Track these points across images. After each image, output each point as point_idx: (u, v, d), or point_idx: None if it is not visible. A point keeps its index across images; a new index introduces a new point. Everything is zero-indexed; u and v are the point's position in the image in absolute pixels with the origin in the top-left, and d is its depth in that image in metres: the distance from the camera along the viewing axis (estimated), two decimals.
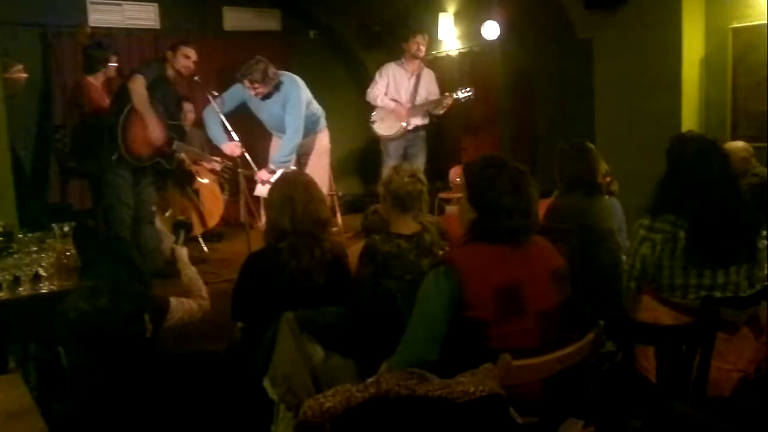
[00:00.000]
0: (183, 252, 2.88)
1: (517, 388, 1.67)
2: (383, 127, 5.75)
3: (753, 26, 4.57)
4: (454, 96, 5.56)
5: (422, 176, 2.71)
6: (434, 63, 7.15)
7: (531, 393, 1.82)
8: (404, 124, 5.64)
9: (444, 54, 7.23)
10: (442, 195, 6.41)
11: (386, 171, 3.10)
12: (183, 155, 5.37)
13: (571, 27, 5.26)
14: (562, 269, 1.96)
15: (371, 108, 5.89)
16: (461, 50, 7.06)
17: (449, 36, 7.02)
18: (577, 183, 3.02)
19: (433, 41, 7.04)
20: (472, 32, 6.73)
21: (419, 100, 5.71)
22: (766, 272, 2.42)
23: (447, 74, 6.86)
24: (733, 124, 4.73)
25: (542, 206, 3.21)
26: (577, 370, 1.91)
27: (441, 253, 2.48)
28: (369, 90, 5.78)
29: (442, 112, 5.74)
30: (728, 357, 2.20)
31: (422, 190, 2.68)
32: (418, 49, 5.64)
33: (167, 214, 5.54)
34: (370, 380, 1.43)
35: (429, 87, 5.78)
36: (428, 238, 2.58)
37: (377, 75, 5.80)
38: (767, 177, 4.17)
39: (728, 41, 4.69)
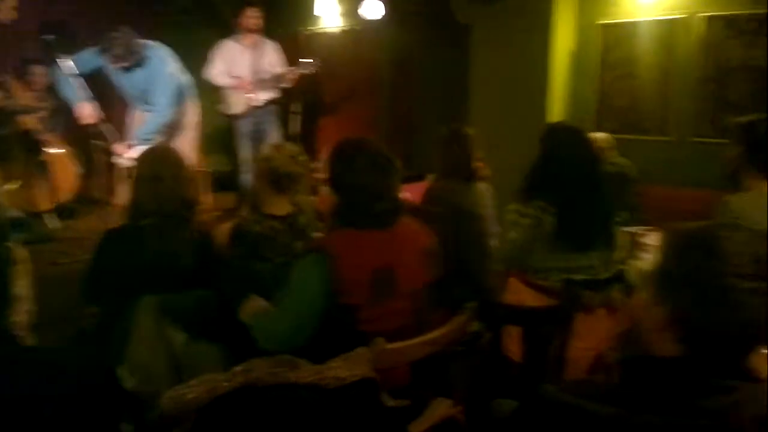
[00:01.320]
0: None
1: (387, 371, 1.70)
2: (229, 105, 5.60)
3: (620, 23, 4.93)
4: (299, 69, 5.50)
5: (302, 158, 2.67)
6: (311, 40, 7.05)
7: (401, 375, 1.86)
8: (250, 96, 5.51)
9: (322, 31, 7.17)
10: (317, 175, 6.36)
11: (265, 148, 3.01)
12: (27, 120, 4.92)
13: (452, 13, 5.40)
14: (432, 248, 2.01)
15: None
16: (342, 28, 7.03)
17: (329, 12, 6.96)
18: (455, 168, 3.12)
19: (309, 17, 6.92)
20: (354, 10, 6.72)
21: (262, 74, 5.60)
22: (620, 257, 2.63)
23: (325, 52, 6.80)
24: (598, 116, 5.10)
25: (418, 190, 3.29)
26: (446, 351, 1.98)
27: (316, 235, 2.46)
28: (205, 71, 5.57)
29: (289, 85, 5.65)
30: (585, 337, 2.37)
31: (302, 173, 2.64)
32: (252, 23, 5.51)
33: (11, 186, 5.06)
34: (237, 368, 1.39)
35: (272, 59, 5.67)
36: (303, 220, 2.55)
37: (212, 54, 5.60)
38: (624, 168, 4.55)
39: (597, 37, 5.04)
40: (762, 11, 4.34)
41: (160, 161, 2.41)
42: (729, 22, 4.48)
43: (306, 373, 1.42)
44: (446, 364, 2.03)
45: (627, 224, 3.78)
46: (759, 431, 1.00)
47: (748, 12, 4.41)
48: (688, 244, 1.11)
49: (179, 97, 4.90)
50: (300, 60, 5.54)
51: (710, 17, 4.55)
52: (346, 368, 1.45)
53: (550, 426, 1.08)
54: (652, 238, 3.39)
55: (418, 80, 6.45)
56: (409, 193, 3.59)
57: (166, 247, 2.33)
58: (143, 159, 2.51)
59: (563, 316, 2.24)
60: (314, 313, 1.82)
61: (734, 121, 2.89)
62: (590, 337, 2.40)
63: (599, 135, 4.60)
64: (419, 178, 3.24)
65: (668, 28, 4.72)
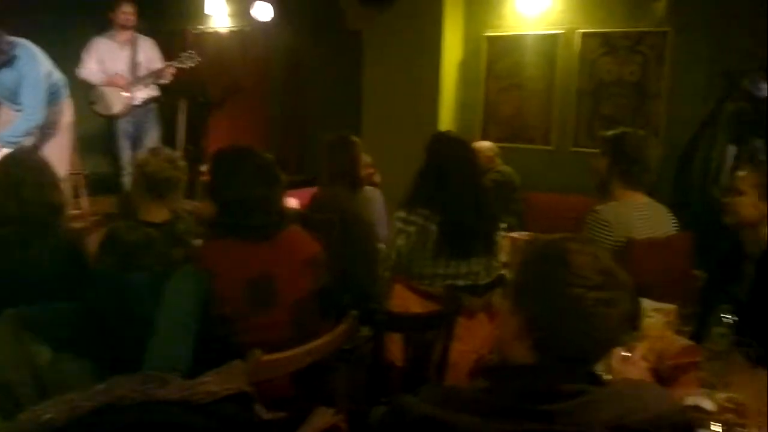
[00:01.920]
0: None
1: (268, 383, 1.68)
2: (105, 105, 5.37)
3: (505, 36, 5.15)
4: (177, 63, 5.37)
5: (181, 163, 2.59)
6: (200, 39, 6.87)
7: (282, 387, 1.85)
8: (128, 95, 5.31)
9: (212, 30, 7.00)
10: (204, 178, 6.19)
11: (142, 153, 2.89)
12: None
13: (344, 17, 5.43)
14: (317, 257, 2.01)
15: None
16: (232, 28, 6.90)
17: (220, 12, 6.81)
18: (341, 175, 3.13)
19: (199, 15, 6.74)
20: (245, 10, 6.61)
21: (139, 71, 5.42)
22: (500, 263, 2.75)
23: (214, 52, 6.65)
24: (484, 125, 5.30)
25: (307, 196, 3.28)
26: (330, 359, 1.98)
27: (195, 242, 2.39)
28: (78, 70, 5.32)
29: (168, 81, 5.49)
30: (467, 340, 2.45)
31: (180, 179, 2.56)
32: (126, 19, 5.34)
33: None
34: (99, 387, 1.32)
35: (149, 56, 5.50)
36: (181, 227, 2.47)
37: (84, 52, 5.37)
38: (508, 175, 4.76)
39: (483, 48, 5.23)
40: (635, 29, 4.68)
41: (20, 165, 2.27)
42: (604, 38, 4.80)
43: (175, 389, 1.37)
44: (329, 373, 2.04)
45: (511, 230, 3.96)
46: None
47: (621, 30, 4.74)
48: (541, 257, 1.18)
49: (52, 98, 4.63)
50: (179, 54, 5.38)
51: (586, 33, 4.85)
52: (218, 382, 1.41)
53: None
54: None
55: (310, 84, 6.44)
56: (298, 199, 3.58)
57: (29, 256, 2.20)
58: (3, 163, 2.35)
59: (446, 320, 2.31)
60: (191, 328, 1.77)
61: (603, 133, 3.10)
62: (471, 341, 2.49)
63: (485, 143, 4.79)
64: (311, 182, 3.23)
65: (550, 42, 4.99)
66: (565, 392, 1.09)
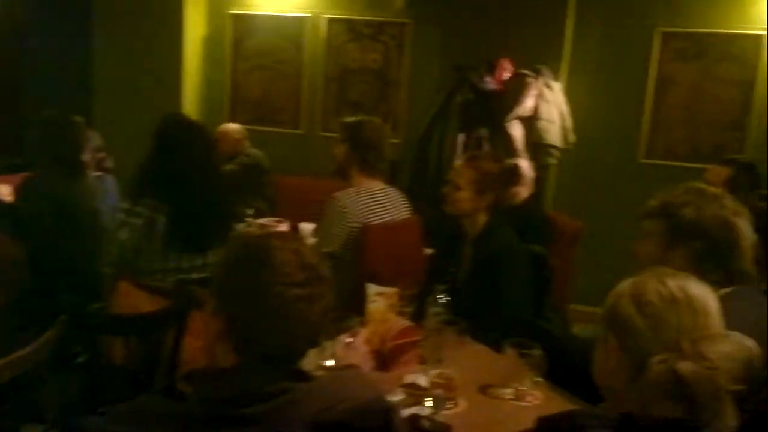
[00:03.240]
0: None
1: None
2: None
3: (250, 15, 5.06)
4: None
5: None
6: None
7: None
8: None
9: None
10: None
11: None
12: None
13: None
14: (12, 260, 1.79)
15: None
16: None
17: None
18: (58, 160, 2.82)
19: None
20: None
21: None
22: None
23: None
24: (232, 106, 5.18)
25: (10, 183, 2.91)
26: (36, 371, 1.78)
27: None
28: None
29: None
30: (200, 335, 2.37)
31: None
32: None
33: None
34: None
35: None
36: None
37: None
38: (258, 159, 4.72)
39: (228, 26, 5.09)
40: (377, 18, 4.91)
41: None
42: (349, 25, 4.96)
43: None
44: (36, 386, 1.83)
45: (261, 215, 3.94)
46: (319, 427, 1.09)
47: (364, 18, 4.94)
48: (241, 255, 1.16)
49: None
50: None
51: (332, 19, 4.97)
52: None
53: None
54: (284, 228, 3.59)
55: (29, 51, 5.70)
56: (11, 186, 3.16)
57: None
58: None
59: (176, 317, 2.21)
60: None
61: (342, 120, 3.21)
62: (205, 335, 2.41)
63: (233, 126, 4.69)
64: (30, 167, 2.85)
65: (297, 24, 5.02)
66: (268, 393, 1.08)
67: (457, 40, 4.64)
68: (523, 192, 3.80)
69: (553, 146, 4.41)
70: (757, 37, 4.48)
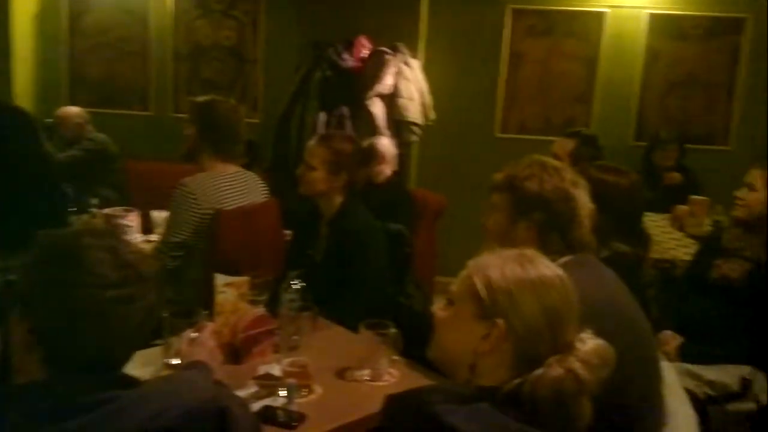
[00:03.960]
0: None
1: None
2: None
3: None
4: None
5: None
6: None
7: None
8: None
9: None
10: None
11: None
12: None
13: None
14: None
15: None
16: None
17: None
18: None
19: None
20: None
21: None
22: None
23: None
24: (71, 88, 4.80)
25: None
26: None
27: None
28: None
29: None
30: None
31: None
32: None
33: None
34: None
35: None
36: None
37: None
38: (103, 143, 4.42)
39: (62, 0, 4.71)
40: None
41: None
42: (197, 0, 4.74)
43: None
44: None
45: (108, 204, 3.68)
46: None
47: None
48: (46, 256, 1.05)
49: None
50: None
51: None
52: None
53: None
54: (132, 219, 3.37)
55: None
56: None
57: None
58: None
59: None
60: None
61: (191, 99, 3.05)
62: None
63: (73, 109, 4.35)
64: None
65: (141, 1, 4.73)
66: (87, 404, 0.99)
67: (314, 17, 4.57)
68: (387, 170, 3.83)
69: (415, 123, 4.47)
70: (600, 15, 4.76)
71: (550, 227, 1.64)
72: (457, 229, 4.37)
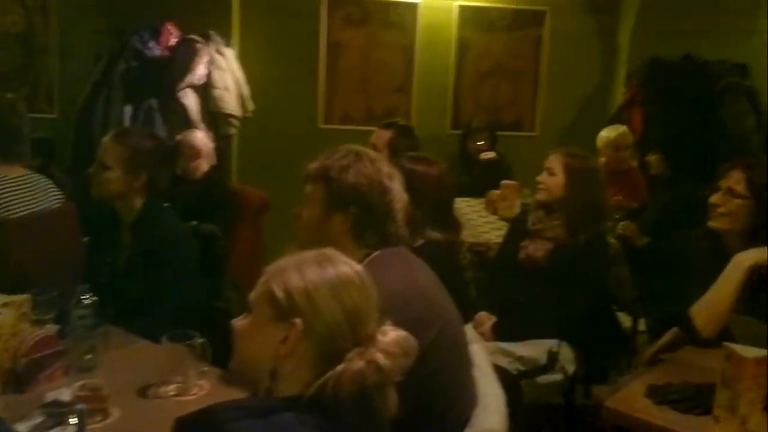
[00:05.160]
0: None
1: None
2: None
3: None
4: None
5: None
6: None
7: None
8: None
9: None
10: None
11: None
12: None
13: None
14: None
15: None
16: None
17: None
18: None
19: None
20: None
21: None
22: None
23: None
24: None
25: None
26: None
27: None
28: None
29: None
30: None
31: None
32: None
33: None
34: None
35: None
36: None
37: None
38: None
39: None
40: None
41: None
42: None
43: None
44: None
45: None
46: None
47: None
48: None
49: None
50: None
51: None
52: None
53: None
54: None
55: None
56: None
57: None
58: None
59: None
60: None
61: None
62: None
63: None
64: None
65: None
66: None
67: (114, 2, 4.26)
68: (203, 165, 3.68)
69: (232, 115, 4.33)
70: (414, 6, 4.89)
71: (366, 221, 1.62)
72: (283, 224, 4.30)
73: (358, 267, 1.23)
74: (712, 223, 2.21)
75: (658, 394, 1.74)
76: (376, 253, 1.62)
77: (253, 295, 1.22)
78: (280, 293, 1.16)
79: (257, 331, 1.20)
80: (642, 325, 3.36)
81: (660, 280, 2.73)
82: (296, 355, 1.14)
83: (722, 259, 2.09)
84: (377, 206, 1.61)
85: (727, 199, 2.16)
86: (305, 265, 1.19)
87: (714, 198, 2.20)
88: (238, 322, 1.25)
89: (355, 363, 1.10)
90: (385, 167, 1.67)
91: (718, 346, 1.66)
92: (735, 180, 2.16)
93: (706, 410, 1.63)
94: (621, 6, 5.06)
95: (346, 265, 1.21)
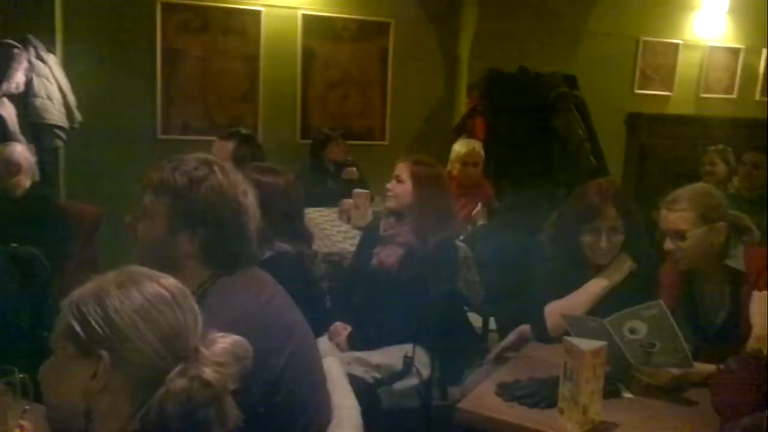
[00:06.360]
0: None
1: None
2: None
3: None
4: None
5: None
6: None
7: None
8: None
9: None
10: None
11: None
12: None
13: None
14: None
15: None
16: None
17: None
18: None
19: None
20: None
21: None
22: None
23: None
24: None
25: None
26: None
27: None
28: None
29: None
30: None
31: None
32: None
33: None
34: None
35: None
36: None
37: None
38: None
39: None
40: None
41: None
42: None
43: None
44: None
45: None
46: None
47: None
48: None
49: None
50: None
51: None
52: None
53: None
54: None
55: None
56: None
57: None
58: None
59: None
60: None
61: None
62: None
63: None
64: None
65: None
66: None
67: None
68: (24, 181, 3.38)
69: (57, 126, 4.02)
70: (256, 13, 4.82)
71: (216, 242, 1.46)
72: (121, 241, 4.04)
73: (169, 280, 1.12)
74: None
75: (507, 392, 1.80)
76: (225, 278, 1.49)
77: (53, 334, 1.09)
78: (78, 327, 1.04)
79: (61, 373, 1.08)
80: (493, 324, 3.50)
81: (506, 280, 2.86)
82: (110, 388, 1.04)
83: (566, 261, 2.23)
84: (230, 227, 1.47)
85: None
86: (104, 292, 1.07)
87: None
88: (42, 368, 1.12)
89: (176, 383, 1.01)
90: (241, 182, 1.52)
91: (560, 342, 1.75)
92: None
93: (552, 403, 1.70)
94: (460, 19, 5.29)
95: (153, 282, 1.10)
